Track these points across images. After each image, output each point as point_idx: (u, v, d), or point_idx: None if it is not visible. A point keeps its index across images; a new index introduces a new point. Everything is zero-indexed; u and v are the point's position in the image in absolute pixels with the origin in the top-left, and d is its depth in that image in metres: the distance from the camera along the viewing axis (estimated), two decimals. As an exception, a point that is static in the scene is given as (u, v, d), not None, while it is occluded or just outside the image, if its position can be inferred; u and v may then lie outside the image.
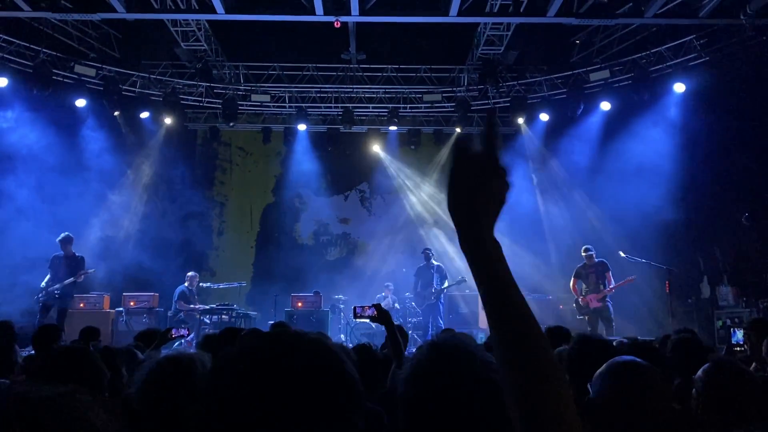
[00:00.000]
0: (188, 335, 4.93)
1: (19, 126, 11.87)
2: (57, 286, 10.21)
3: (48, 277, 10.31)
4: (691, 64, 11.56)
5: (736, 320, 9.82)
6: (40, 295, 10.18)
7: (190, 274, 11.86)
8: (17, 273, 10.55)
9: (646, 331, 10.60)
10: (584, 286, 10.66)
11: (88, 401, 1.63)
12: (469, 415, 1.32)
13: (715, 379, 2.37)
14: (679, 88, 11.73)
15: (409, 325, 11.88)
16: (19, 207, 11.28)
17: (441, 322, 11.66)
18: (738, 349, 6.55)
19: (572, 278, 10.85)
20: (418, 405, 1.36)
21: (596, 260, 10.61)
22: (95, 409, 1.64)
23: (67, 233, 10.47)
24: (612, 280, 10.43)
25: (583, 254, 10.72)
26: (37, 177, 11.70)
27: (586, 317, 10.60)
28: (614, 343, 3.76)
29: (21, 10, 10.06)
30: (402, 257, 14.27)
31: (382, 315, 4.07)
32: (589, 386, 2.04)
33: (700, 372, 2.46)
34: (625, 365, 1.99)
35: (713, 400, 2.34)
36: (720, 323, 10.29)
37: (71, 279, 10.27)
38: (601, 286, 10.44)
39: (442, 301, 12.09)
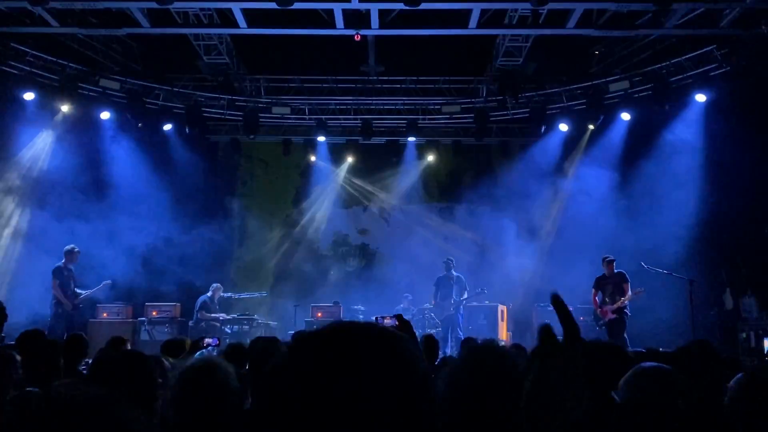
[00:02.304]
0: (217, 344, 5.03)
1: (47, 139, 12.14)
2: (80, 298, 10.34)
3: (61, 287, 10.08)
4: (711, 74, 11.45)
5: (760, 332, 9.70)
6: (73, 308, 10.12)
7: (214, 285, 11.96)
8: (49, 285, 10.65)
9: (666, 343, 10.46)
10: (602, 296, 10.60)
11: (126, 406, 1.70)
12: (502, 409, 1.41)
13: (748, 389, 2.39)
14: (700, 98, 11.63)
15: (429, 337, 11.82)
16: (51, 220, 11.46)
17: (461, 333, 11.59)
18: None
19: (593, 289, 10.77)
20: (458, 402, 1.45)
21: (615, 271, 10.55)
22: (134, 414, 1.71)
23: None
24: (629, 291, 10.33)
25: (603, 263, 10.65)
26: (62, 189, 11.90)
27: (604, 327, 10.53)
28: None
29: (49, 26, 10.31)
30: (420, 268, 14.26)
31: (403, 325, 4.10)
32: (614, 394, 2.08)
33: (732, 382, 2.48)
34: (649, 371, 2.04)
35: (745, 409, 2.36)
36: (744, 335, 10.17)
37: (90, 291, 10.43)
38: (617, 297, 10.36)
39: (462, 312, 12.04)
